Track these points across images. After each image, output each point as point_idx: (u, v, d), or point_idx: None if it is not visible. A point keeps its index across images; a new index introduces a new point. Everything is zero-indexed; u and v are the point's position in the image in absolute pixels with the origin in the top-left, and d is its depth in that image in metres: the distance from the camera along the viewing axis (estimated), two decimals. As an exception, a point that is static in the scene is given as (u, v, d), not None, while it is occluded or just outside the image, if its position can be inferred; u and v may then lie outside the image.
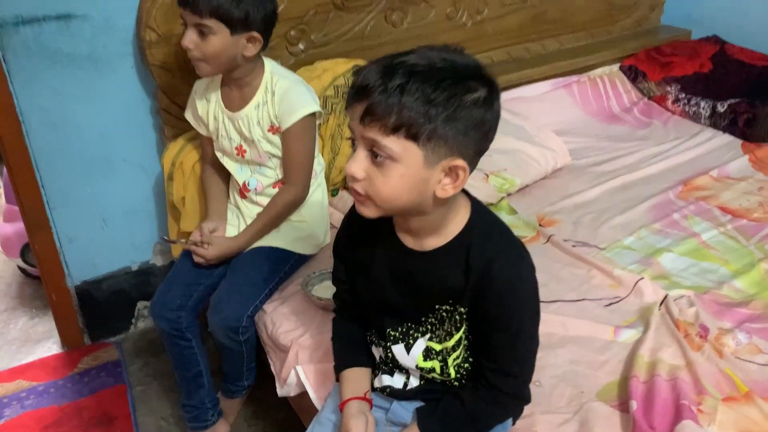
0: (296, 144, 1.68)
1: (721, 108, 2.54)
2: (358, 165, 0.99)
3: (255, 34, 1.56)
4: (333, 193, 2.06)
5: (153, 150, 2.20)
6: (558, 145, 2.23)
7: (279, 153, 1.72)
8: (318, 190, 1.81)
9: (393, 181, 0.97)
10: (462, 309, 1.09)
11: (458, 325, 1.10)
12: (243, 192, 1.79)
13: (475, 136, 0.98)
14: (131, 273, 2.36)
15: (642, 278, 1.66)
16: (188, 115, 1.82)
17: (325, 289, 1.67)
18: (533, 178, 2.13)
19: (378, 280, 1.16)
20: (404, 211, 1.04)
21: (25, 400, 2.14)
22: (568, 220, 1.98)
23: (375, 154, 0.97)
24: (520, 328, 1.09)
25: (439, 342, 1.14)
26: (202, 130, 1.80)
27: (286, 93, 1.65)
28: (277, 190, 1.78)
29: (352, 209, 1.14)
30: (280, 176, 1.76)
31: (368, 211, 1.04)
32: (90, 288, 2.30)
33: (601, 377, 1.41)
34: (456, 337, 1.11)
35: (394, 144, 0.95)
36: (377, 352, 1.23)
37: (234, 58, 1.58)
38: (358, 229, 1.16)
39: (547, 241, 1.88)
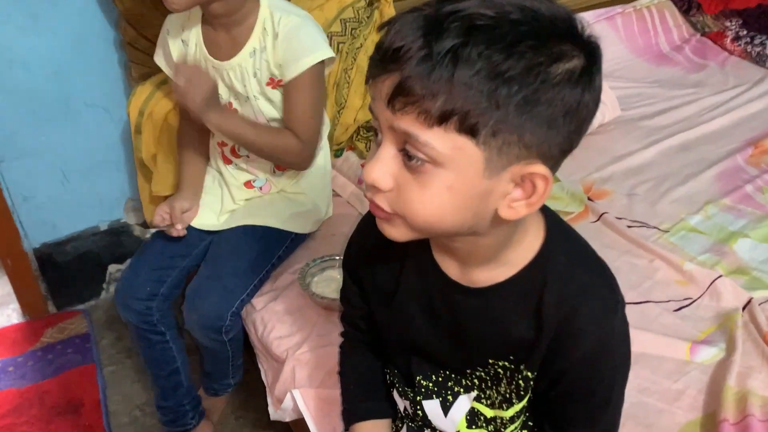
0: (302, 99, 1.32)
1: (792, 49, 2.16)
2: (383, 169, 0.65)
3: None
4: (336, 153, 1.71)
5: (120, 91, 1.83)
6: (606, 94, 1.86)
7: (279, 114, 1.36)
8: (320, 155, 1.45)
9: (435, 196, 0.64)
10: (528, 373, 0.77)
11: (521, 391, 0.78)
12: (231, 156, 1.44)
13: (564, 129, 0.63)
14: (100, 233, 2.03)
15: (720, 276, 1.35)
16: (159, 60, 1.43)
17: (328, 282, 1.35)
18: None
19: (404, 313, 0.84)
20: (448, 234, 0.71)
21: (-21, 382, 1.85)
22: (620, 191, 1.64)
23: (409, 154, 0.63)
24: (607, 398, 0.77)
25: (492, 406, 0.83)
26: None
27: (293, 34, 1.27)
28: (281, 174, 1.45)
29: (370, 215, 0.81)
30: None
31: (396, 233, 0.70)
32: (52, 251, 1.98)
33: (677, 414, 1.11)
34: (517, 407, 0.80)
35: (439, 140, 0.61)
36: (401, 402, 0.92)
37: None
38: (377, 241, 0.80)
39: (598, 219, 1.55)
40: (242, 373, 1.55)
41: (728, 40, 2.31)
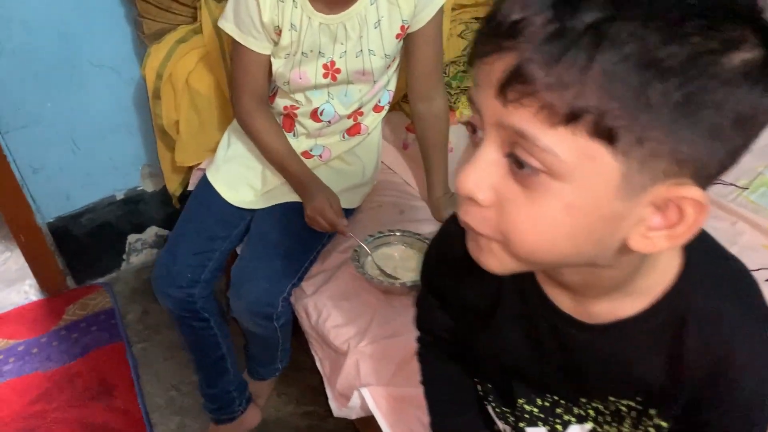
0: (434, 45, 1.21)
1: None
2: (483, 178, 0.50)
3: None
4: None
5: (129, 49, 1.66)
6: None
7: (384, 72, 1.24)
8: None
9: (548, 216, 0.49)
10: (662, 422, 0.65)
11: None
12: (308, 120, 1.28)
13: (731, 142, 0.47)
14: (116, 203, 1.90)
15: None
16: (229, 27, 1.19)
17: (385, 262, 1.23)
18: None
19: (504, 339, 0.72)
20: (558, 265, 0.57)
21: (3, 365, 1.75)
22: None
23: (519, 160, 0.48)
24: None
25: (612, 441, 0.71)
26: (260, 46, 1.19)
27: None
28: (350, 122, 1.29)
29: (455, 222, 0.68)
30: (365, 100, 1.27)
31: (493, 262, 0.55)
32: (67, 224, 1.85)
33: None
34: (645, 453, 0.68)
35: (563, 145, 0.46)
36: (500, 423, 0.81)
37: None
38: (467, 254, 0.61)
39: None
40: (290, 357, 1.44)
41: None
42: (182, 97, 1.44)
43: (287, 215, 1.26)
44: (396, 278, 1.19)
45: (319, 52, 1.16)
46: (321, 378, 1.71)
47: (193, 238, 1.28)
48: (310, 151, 1.30)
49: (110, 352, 1.79)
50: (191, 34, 1.45)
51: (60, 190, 1.79)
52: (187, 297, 1.28)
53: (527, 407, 0.75)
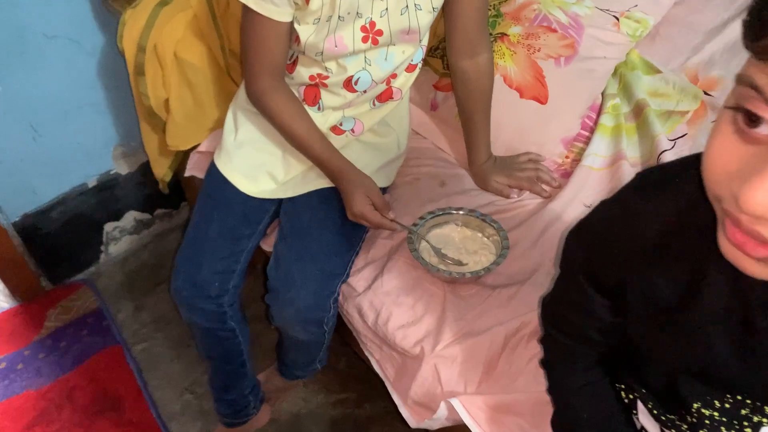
0: None
1: None
2: None
3: None
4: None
5: (89, 15, 1.42)
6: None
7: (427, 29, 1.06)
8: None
9: None
10: None
11: None
12: (341, 91, 1.10)
13: None
14: (89, 191, 1.68)
15: None
16: (285, 13, 0.97)
17: (444, 244, 1.09)
18: (665, 9, 1.47)
19: (696, 337, 0.61)
20: None
21: (-14, 389, 1.56)
22: (730, 77, 1.39)
23: None
24: None
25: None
26: (281, 13, 0.97)
27: None
28: (383, 87, 1.11)
29: (619, 200, 0.61)
30: (406, 62, 1.10)
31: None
32: (35, 221, 1.62)
33: None
34: None
35: None
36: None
37: None
38: (644, 241, 0.59)
39: (721, 117, 1.31)
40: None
41: None
42: (171, 71, 1.22)
43: (324, 204, 1.09)
44: (462, 264, 1.05)
45: (357, 12, 0.97)
46: (348, 361, 1.59)
47: (217, 241, 1.10)
48: (340, 125, 1.13)
49: (107, 358, 1.62)
50: (172, -6, 1.22)
51: (23, 185, 1.56)
52: (217, 308, 1.12)
53: (705, 411, 0.65)
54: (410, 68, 1.12)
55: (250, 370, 1.30)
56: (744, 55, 1.33)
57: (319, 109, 1.11)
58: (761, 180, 0.41)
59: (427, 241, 1.08)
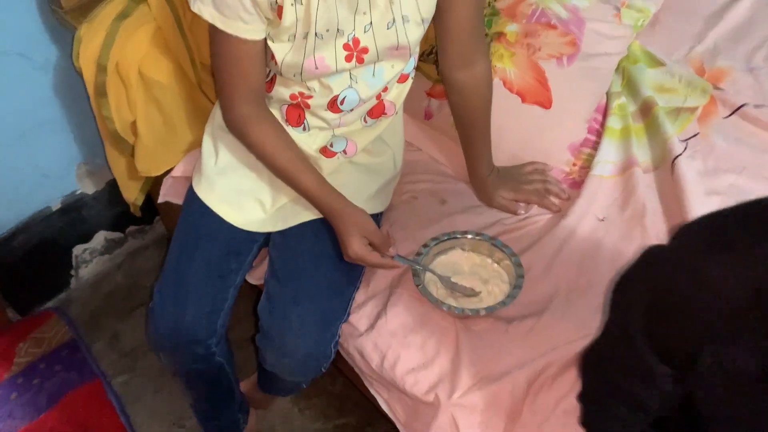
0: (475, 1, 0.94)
1: None
2: None
3: None
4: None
5: (39, 27, 1.28)
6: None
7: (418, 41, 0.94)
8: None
9: None
10: None
11: None
12: (324, 112, 0.98)
13: None
14: (53, 215, 1.55)
15: None
16: (207, 11, 0.85)
17: (452, 273, 1.00)
18: (664, -5, 1.38)
19: None
20: None
21: (-45, 438, 1.44)
22: (739, 66, 1.31)
23: None
24: None
25: None
26: (252, 31, 0.86)
27: None
28: (373, 102, 1.00)
29: (687, 260, 0.55)
30: (396, 75, 0.98)
31: None
32: (-4, 251, 1.49)
33: None
34: None
35: None
36: None
37: None
38: (723, 309, 0.52)
39: (733, 113, 1.23)
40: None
41: None
42: (136, 91, 1.10)
43: (318, 236, 0.99)
44: (475, 293, 0.97)
45: (337, 29, 0.86)
46: (344, 383, 1.50)
47: (202, 280, 1.00)
48: (330, 146, 1.02)
49: (86, 394, 1.50)
50: (132, 5, 1.09)
51: (-21, 213, 1.43)
52: (206, 351, 1.03)
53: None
54: (402, 78, 1.01)
55: (237, 392, 1.22)
56: (748, 42, 1.24)
57: (304, 129, 1.00)
58: None
59: (433, 272, 0.99)
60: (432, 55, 1.16)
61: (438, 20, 0.94)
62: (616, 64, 1.23)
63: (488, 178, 1.11)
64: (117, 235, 1.71)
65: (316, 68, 0.89)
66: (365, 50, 0.89)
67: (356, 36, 0.88)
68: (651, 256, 0.64)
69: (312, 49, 0.88)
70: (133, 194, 1.31)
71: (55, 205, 1.54)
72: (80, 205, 1.58)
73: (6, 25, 1.23)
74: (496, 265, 1.01)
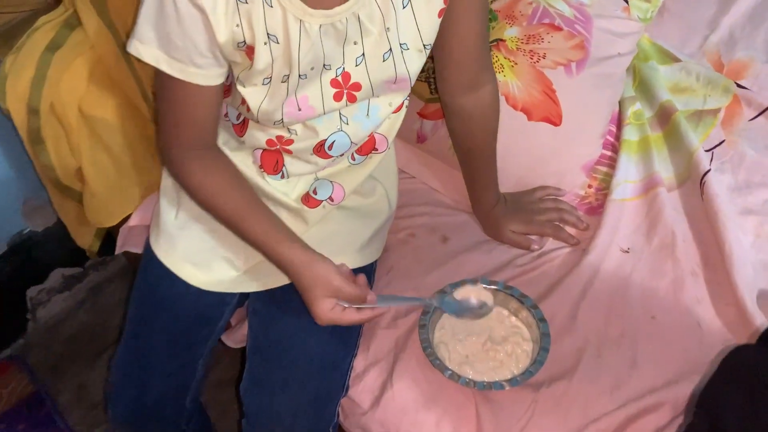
0: (482, 13, 0.81)
1: None
2: None
3: None
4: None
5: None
6: None
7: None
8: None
9: None
10: None
11: None
12: (306, 160, 0.83)
13: None
14: (1, 258, 1.38)
15: None
16: (150, 53, 0.69)
17: (465, 334, 0.87)
18: (673, -19, 1.24)
19: None
20: None
21: None
22: (758, 57, 1.18)
23: None
24: None
25: None
26: (207, 77, 0.71)
27: None
28: (363, 159, 0.87)
29: None
30: (394, 108, 0.82)
31: None
32: (-63, 306, 1.32)
33: None
34: None
35: None
36: None
37: None
38: None
39: (760, 114, 1.10)
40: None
41: None
42: (79, 134, 0.93)
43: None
44: (488, 308, 0.84)
45: (324, 64, 0.71)
46: None
47: (166, 354, 0.86)
48: (314, 193, 0.86)
49: (56, 457, 1.36)
50: (64, 32, 0.91)
51: None
52: (175, 428, 0.89)
53: None
54: (396, 108, 0.86)
55: None
56: (766, 28, 1.10)
57: (282, 177, 0.85)
58: None
59: (424, 301, 0.86)
60: (423, 72, 1.01)
61: (438, 44, 0.79)
62: (628, 65, 1.09)
63: (495, 210, 0.97)
64: (75, 270, 1.54)
65: (299, 110, 0.74)
66: (357, 86, 0.74)
67: (346, 70, 0.73)
68: (736, 360, 0.52)
69: (294, 89, 0.72)
70: (87, 241, 1.15)
71: (1, 248, 1.37)
72: (30, 244, 1.41)
73: None
74: (513, 318, 0.88)
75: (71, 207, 1.09)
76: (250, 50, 0.69)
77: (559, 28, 1.02)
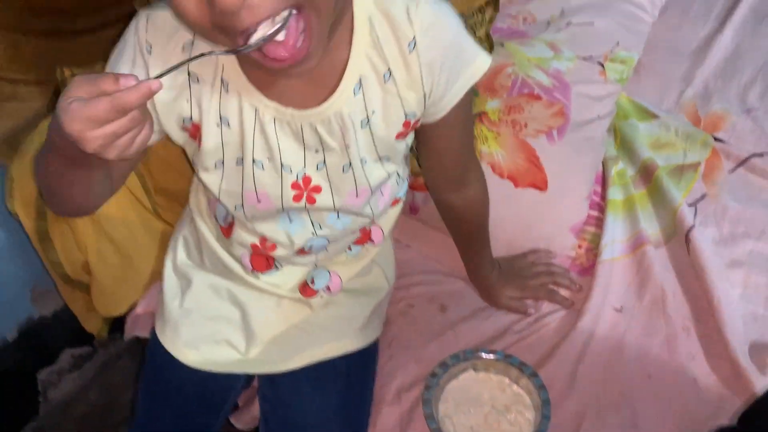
0: (464, 129, 0.82)
1: None
2: None
3: None
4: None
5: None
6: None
7: (387, 174, 0.80)
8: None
9: None
10: None
11: None
12: (295, 256, 0.85)
13: None
14: (10, 346, 1.40)
15: None
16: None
17: (467, 402, 0.89)
18: (644, 36, 1.29)
19: None
20: None
21: None
22: (734, 109, 1.23)
23: None
24: None
25: None
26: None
27: (444, 31, 0.69)
28: (359, 250, 0.89)
29: None
30: (374, 218, 0.85)
31: None
32: (-50, 397, 1.34)
33: None
34: None
35: None
36: None
37: None
38: None
39: (739, 166, 1.14)
40: None
41: None
42: (85, 229, 0.97)
43: (317, 385, 0.87)
44: (500, 431, 0.86)
45: (281, 163, 0.74)
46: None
47: (184, 402, 0.88)
48: (311, 283, 0.89)
49: None
50: (67, 134, 0.96)
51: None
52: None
53: None
54: (395, 202, 0.89)
55: None
56: (739, 78, 1.17)
57: (277, 268, 0.88)
58: None
59: (436, 401, 0.88)
60: (412, 150, 1.05)
61: (422, 152, 0.83)
62: (608, 126, 1.14)
63: (491, 278, 1.00)
64: (84, 349, 1.56)
65: (259, 202, 0.76)
66: (317, 189, 0.76)
67: (307, 174, 0.75)
68: None
69: (251, 178, 0.74)
70: (95, 327, 1.18)
71: (11, 335, 1.39)
72: (39, 330, 1.43)
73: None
74: (515, 386, 0.91)
75: (79, 297, 1.12)
76: (195, 129, 0.71)
77: (538, 97, 1.07)
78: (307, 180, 0.75)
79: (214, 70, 0.69)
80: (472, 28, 1.11)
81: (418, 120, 0.75)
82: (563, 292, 1.01)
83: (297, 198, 0.76)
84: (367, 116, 0.71)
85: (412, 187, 1.09)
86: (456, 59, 0.71)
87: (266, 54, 0.57)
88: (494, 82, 1.09)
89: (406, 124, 0.74)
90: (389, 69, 0.69)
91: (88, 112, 0.52)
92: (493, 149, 1.04)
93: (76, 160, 0.62)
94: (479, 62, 0.73)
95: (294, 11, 0.55)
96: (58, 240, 0.97)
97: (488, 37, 1.12)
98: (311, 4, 0.56)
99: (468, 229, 0.95)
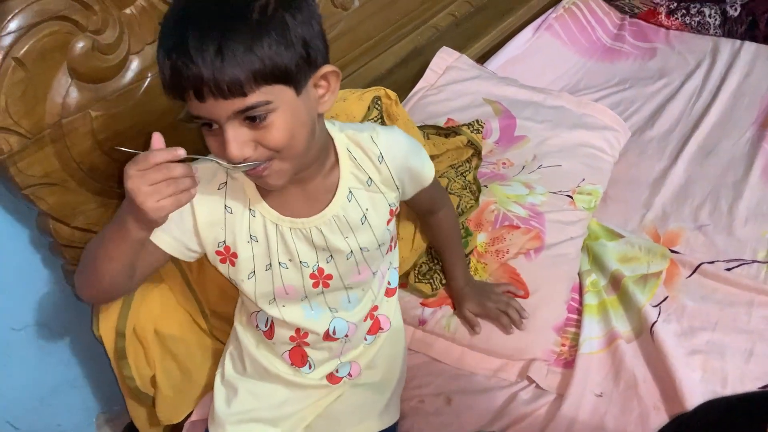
0: (433, 187, 1.11)
1: (733, 12, 2.10)
2: None
3: (326, 67, 0.85)
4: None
5: (57, 300, 1.39)
6: (610, 116, 1.69)
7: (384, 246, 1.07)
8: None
9: None
10: None
11: None
12: (320, 347, 1.10)
13: None
14: (77, 470, 1.57)
15: None
16: (171, 245, 0.95)
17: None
18: (608, 173, 1.56)
19: None
20: None
21: None
22: (688, 227, 1.46)
23: None
24: None
25: None
26: (161, 239, 0.94)
27: (406, 148, 1.02)
28: (369, 323, 1.13)
29: None
30: (382, 290, 1.14)
31: None
32: None
33: None
34: None
35: None
36: None
37: (313, 129, 0.87)
38: None
39: (693, 272, 1.35)
40: None
41: (662, 17, 2.21)
42: (153, 347, 1.20)
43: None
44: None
45: (300, 261, 0.98)
46: None
47: None
48: (336, 372, 1.11)
49: None
50: (142, 271, 1.21)
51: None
52: None
53: None
54: (389, 293, 1.13)
55: None
56: (691, 202, 1.42)
57: (310, 368, 1.09)
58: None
59: None
60: (426, 275, 1.29)
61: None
62: (581, 245, 1.37)
63: (463, 290, 1.25)
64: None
65: (287, 294, 1.00)
66: (329, 277, 1.01)
67: (320, 266, 1.00)
68: None
69: (279, 277, 0.99)
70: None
71: (77, 459, 1.57)
72: (101, 452, 1.61)
73: (26, 300, 1.35)
74: (510, 464, 1.06)
75: (143, 411, 1.32)
76: (227, 250, 0.96)
77: (517, 227, 1.32)
78: (321, 270, 1.00)
79: (243, 203, 0.96)
80: (462, 174, 1.40)
81: (398, 207, 1.04)
82: (505, 322, 1.23)
83: (315, 285, 1.01)
84: (364, 214, 0.98)
85: (422, 304, 1.31)
86: (414, 160, 1.02)
87: (250, 174, 0.86)
88: (481, 217, 1.34)
89: (391, 212, 1.02)
90: (369, 177, 0.97)
91: (137, 168, 0.74)
92: (482, 276, 1.29)
93: (126, 233, 0.81)
94: (428, 168, 1.05)
95: (264, 163, 0.83)
96: (132, 356, 1.20)
97: (476, 179, 1.40)
98: (280, 157, 0.84)
99: (442, 241, 1.25)
